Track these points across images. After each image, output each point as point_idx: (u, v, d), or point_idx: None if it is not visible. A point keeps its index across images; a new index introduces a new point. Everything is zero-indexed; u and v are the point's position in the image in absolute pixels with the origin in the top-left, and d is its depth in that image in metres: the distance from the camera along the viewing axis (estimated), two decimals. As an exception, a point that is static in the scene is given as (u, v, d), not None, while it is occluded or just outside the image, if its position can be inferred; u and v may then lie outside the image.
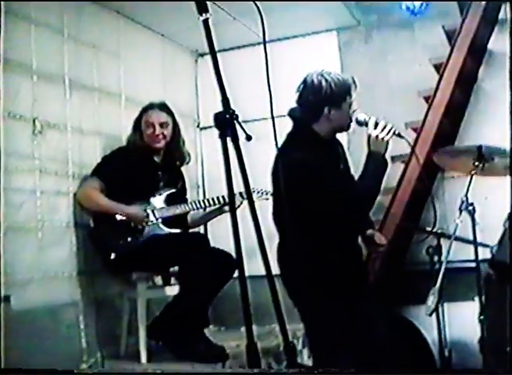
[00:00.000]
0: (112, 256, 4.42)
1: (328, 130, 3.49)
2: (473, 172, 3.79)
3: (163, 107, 4.77)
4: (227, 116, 2.28)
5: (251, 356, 2.23)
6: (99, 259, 4.52)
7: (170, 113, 4.78)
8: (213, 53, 2.32)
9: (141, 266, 4.54)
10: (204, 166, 6.30)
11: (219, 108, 2.31)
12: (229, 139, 2.28)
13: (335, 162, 3.57)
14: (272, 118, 2.61)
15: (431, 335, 4.41)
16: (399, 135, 3.50)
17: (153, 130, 4.68)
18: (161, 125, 4.69)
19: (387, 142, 3.45)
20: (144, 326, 4.47)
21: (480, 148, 3.87)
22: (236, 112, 2.31)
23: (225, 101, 2.30)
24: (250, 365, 2.24)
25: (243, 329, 2.24)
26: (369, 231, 3.69)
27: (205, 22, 2.33)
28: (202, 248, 4.44)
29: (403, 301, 4.72)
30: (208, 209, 4.98)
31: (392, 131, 3.46)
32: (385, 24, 5.81)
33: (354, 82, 3.49)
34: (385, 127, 3.46)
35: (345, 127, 3.54)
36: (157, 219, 4.59)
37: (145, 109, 4.78)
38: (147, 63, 5.67)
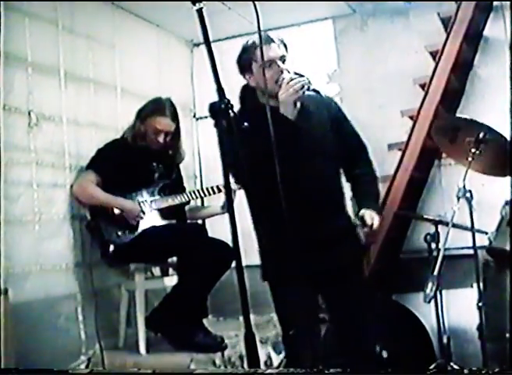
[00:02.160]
0: (111, 248, 4.41)
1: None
2: (470, 158, 3.77)
3: (173, 113, 4.64)
4: (222, 105, 2.28)
5: (249, 346, 2.23)
6: (97, 251, 4.51)
7: (177, 118, 4.68)
8: (208, 43, 2.32)
9: (139, 257, 4.54)
10: (201, 156, 6.29)
11: (214, 97, 2.31)
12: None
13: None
14: (268, 107, 2.61)
15: (429, 322, 4.42)
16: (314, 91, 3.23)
17: (158, 137, 4.61)
18: (167, 133, 4.65)
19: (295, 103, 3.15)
20: (143, 317, 4.48)
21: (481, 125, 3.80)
22: (231, 102, 2.30)
23: (220, 90, 2.30)
24: (248, 354, 2.25)
25: (241, 318, 2.24)
26: (361, 211, 3.32)
27: (199, 11, 2.33)
28: (200, 239, 4.44)
29: (401, 288, 4.74)
30: (207, 209, 5.04)
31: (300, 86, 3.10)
32: (381, 12, 5.80)
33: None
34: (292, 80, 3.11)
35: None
36: (151, 211, 4.59)
37: (155, 111, 4.61)
38: (143, 54, 5.65)
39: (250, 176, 2.90)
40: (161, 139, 4.61)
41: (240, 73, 3.34)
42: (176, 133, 4.70)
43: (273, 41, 3.23)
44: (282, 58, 3.23)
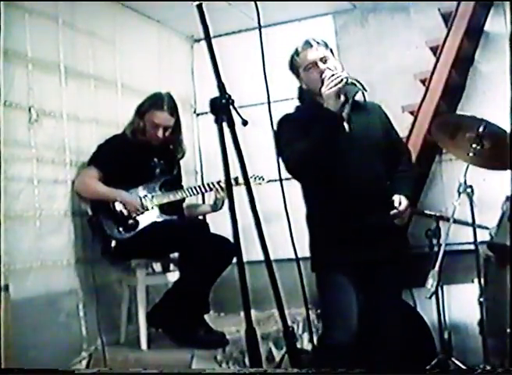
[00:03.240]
0: (113, 244, 4.41)
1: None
2: (471, 154, 3.77)
3: (172, 108, 4.65)
4: (223, 101, 2.28)
5: (250, 342, 2.24)
6: (98, 247, 4.51)
7: (176, 112, 4.69)
8: (208, 38, 2.32)
9: (141, 252, 4.54)
10: (202, 152, 6.29)
11: (215, 93, 2.31)
12: (225, 124, 2.28)
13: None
14: (268, 103, 2.61)
15: (430, 318, 4.42)
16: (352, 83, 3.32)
17: (157, 131, 4.61)
18: (166, 128, 4.65)
19: (338, 96, 3.34)
20: (144, 313, 4.48)
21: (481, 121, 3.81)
22: (232, 97, 2.31)
23: (220, 86, 2.30)
24: (249, 350, 2.25)
25: (242, 314, 2.24)
26: (394, 196, 3.48)
27: (199, 7, 2.33)
28: (202, 234, 4.43)
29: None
30: (198, 208, 5.08)
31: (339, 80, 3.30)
32: (381, 7, 5.79)
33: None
34: (332, 76, 3.32)
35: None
36: (153, 207, 4.59)
37: (153, 106, 4.62)
38: (143, 50, 5.65)
39: (305, 168, 3.37)
40: (160, 134, 4.61)
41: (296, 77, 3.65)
42: (176, 128, 4.71)
43: (311, 45, 3.52)
44: (323, 59, 3.48)
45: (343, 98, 3.39)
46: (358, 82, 3.31)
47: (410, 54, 5.57)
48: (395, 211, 3.41)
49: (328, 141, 3.32)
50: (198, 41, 6.23)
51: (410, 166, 3.81)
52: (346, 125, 3.47)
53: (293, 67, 3.61)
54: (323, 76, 3.39)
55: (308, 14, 6.00)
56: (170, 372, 3.75)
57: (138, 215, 4.49)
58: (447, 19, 5.21)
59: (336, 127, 3.37)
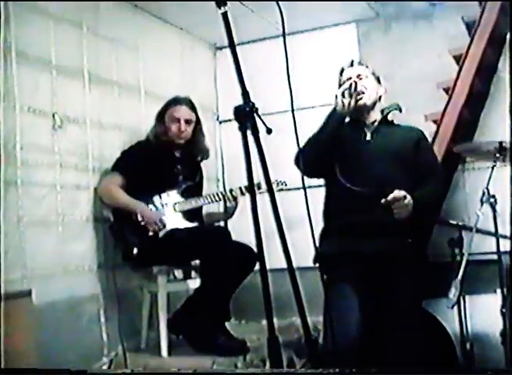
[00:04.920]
0: (135, 251, 4.41)
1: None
2: (494, 163, 3.75)
3: (189, 103, 4.76)
4: (247, 108, 2.28)
5: (272, 349, 2.23)
6: (119, 253, 4.52)
7: (195, 110, 4.78)
8: (232, 46, 2.33)
9: (163, 259, 4.55)
10: (224, 160, 6.30)
11: (238, 101, 2.32)
12: (249, 132, 2.29)
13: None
14: (292, 111, 2.61)
15: (452, 328, 4.39)
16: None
17: (178, 125, 4.67)
18: (187, 121, 4.69)
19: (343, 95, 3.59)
20: (165, 319, 4.48)
21: (501, 143, 3.83)
22: (256, 105, 2.31)
23: (245, 94, 2.31)
24: (271, 358, 2.24)
25: (263, 322, 2.24)
26: None
27: (224, 15, 2.34)
28: (223, 242, 4.44)
29: (425, 293, 4.70)
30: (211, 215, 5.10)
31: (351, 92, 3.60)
32: (404, 15, 5.78)
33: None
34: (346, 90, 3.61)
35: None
36: (175, 213, 4.60)
37: (170, 103, 4.75)
38: (166, 56, 5.68)
39: (304, 160, 3.42)
40: (182, 127, 4.68)
41: None
42: (198, 125, 4.78)
43: (352, 65, 3.89)
44: (359, 76, 3.77)
45: (353, 102, 3.58)
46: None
47: (432, 62, 5.54)
48: (385, 199, 3.45)
49: (325, 134, 3.62)
50: (221, 48, 6.26)
51: (438, 183, 3.89)
52: (368, 134, 3.76)
53: (339, 84, 3.80)
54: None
55: (331, 22, 6.00)
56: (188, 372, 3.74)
57: (156, 231, 4.49)
58: (471, 27, 5.18)
59: (336, 123, 3.62)
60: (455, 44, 5.35)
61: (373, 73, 3.87)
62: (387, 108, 3.86)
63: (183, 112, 4.71)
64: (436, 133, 4.96)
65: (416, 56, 5.66)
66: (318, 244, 3.48)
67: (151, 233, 4.46)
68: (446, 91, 5.16)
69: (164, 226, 4.48)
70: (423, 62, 5.60)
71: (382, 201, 3.44)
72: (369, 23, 5.96)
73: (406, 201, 3.48)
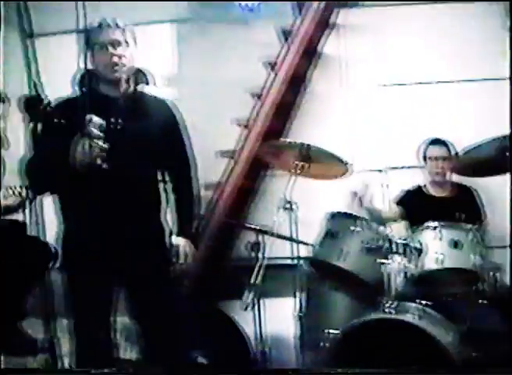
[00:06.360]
0: None
1: None
2: (293, 171, 3.85)
3: None
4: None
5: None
6: None
7: None
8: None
9: None
10: None
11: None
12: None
13: None
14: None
15: (251, 329, 4.46)
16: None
17: None
18: None
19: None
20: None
21: (302, 145, 3.92)
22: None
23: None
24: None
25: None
26: (174, 238, 3.31)
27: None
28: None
29: (226, 295, 4.76)
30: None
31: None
32: (223, 19, 5.82)
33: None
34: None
35: None
36: None
37: None
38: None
39: None
40: None
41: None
42: None
43: (110, 26, 3.15)
44: (115, 42, 3.16)
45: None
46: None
47: (246, 68, 5.61)
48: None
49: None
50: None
51: (190, 183, 3.47)
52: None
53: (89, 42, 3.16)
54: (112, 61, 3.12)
55: (151, 19, 5.94)
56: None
57: None
58: (285, 36, 5.29)
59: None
60: (269, 52, 5.44)
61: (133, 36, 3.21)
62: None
63: None
64: (246, 137, 5.04)
65: (231, 61, 5.71)
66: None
67: None
68: (258, 96, 5.24)
69: None
70: (237, 67, 5.66)
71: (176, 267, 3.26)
72: (188, 25, 5.94)
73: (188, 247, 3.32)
